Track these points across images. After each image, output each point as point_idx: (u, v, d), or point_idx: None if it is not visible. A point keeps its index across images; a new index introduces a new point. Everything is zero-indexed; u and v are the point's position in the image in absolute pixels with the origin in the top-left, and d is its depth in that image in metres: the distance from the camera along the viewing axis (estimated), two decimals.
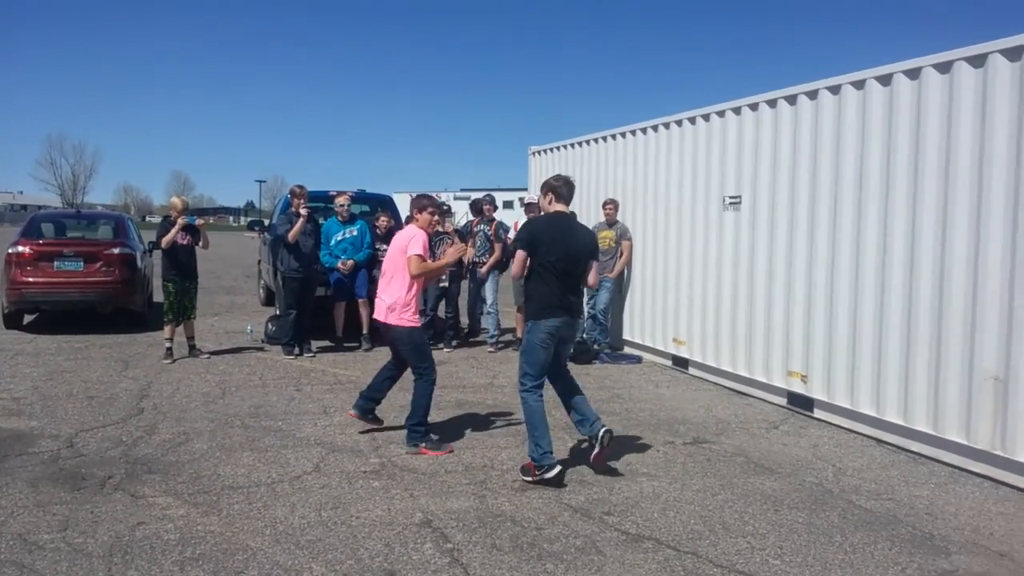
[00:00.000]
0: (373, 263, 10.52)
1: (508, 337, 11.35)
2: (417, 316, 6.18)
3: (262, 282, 15.23)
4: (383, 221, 10.90)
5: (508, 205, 36.98)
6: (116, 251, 11.46)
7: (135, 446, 6.00)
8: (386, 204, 12.13)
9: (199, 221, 9.63)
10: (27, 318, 11.76)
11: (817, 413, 7.37)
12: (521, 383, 5.57)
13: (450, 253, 6.44)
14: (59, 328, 11.39)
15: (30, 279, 11.00)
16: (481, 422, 6.97)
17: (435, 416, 7.02)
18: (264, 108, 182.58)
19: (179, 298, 9.44)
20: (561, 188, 5.78)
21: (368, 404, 6.45)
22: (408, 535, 4.48)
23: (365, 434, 6.46)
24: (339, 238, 10.47)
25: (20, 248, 11.11)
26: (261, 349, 10.27)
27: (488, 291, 10.89)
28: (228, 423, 6.70)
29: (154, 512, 4.72)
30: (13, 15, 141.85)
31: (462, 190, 46.96)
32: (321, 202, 12.33)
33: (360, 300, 10.43)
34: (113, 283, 11.28)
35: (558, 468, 5.31)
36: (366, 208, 12.52)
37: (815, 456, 6.25)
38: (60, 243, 11.88)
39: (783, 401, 7.82)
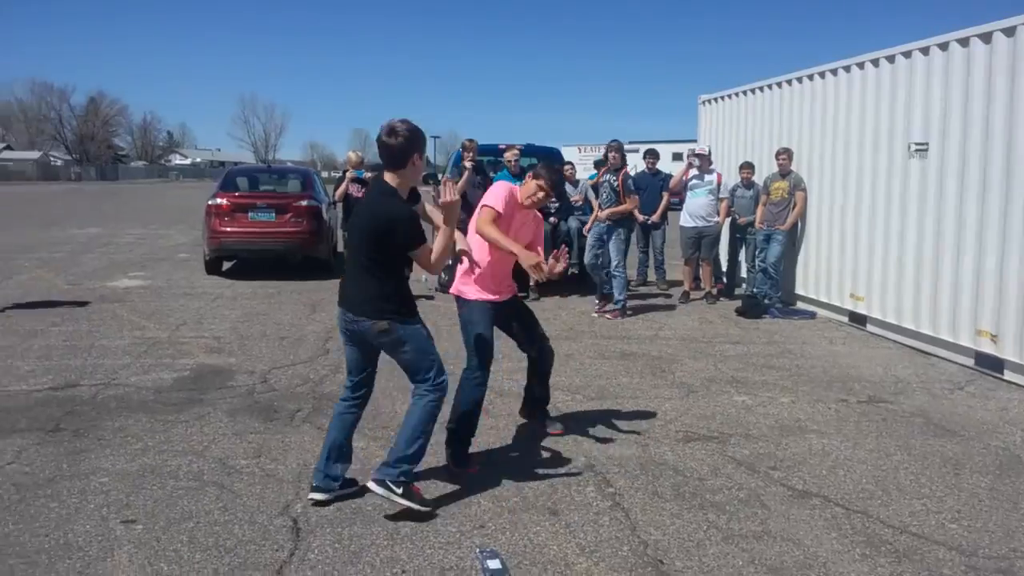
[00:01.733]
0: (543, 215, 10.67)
1: (677, 290, 11.21)
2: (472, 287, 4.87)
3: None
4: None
5: (677, 157, 36.11)
6: (304, 203, 12.22)
7: (321, 383, 6.45)
8: (553, 157, 12.22)
9: (367, 175, 10.05)
10: (225, 265, 12.77)
11: (1008, 375, 6.88)
12: None
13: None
14: (253, 274, 12.29)
15: (228, 229, 11.93)
16: (645, 373, 6.99)
17: (600, 367, 7.13)
18: (439, 65, 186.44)
19: None
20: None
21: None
22: (571, 478, 4.61)
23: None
24: None
25: (219, 200, 12.05)
26: (431, 297, 10.68)
27: (612, 250, 9.49)
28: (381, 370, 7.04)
29: None
30: None
31: (631, 142, 46.19)
32: (491, 155, 12.58)
33: None
34: (301, 233, 12.05)
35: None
36: (535, 161, 12.64)
37: (1003, 420, 5.86)
38: (254, 196, 12.80)
39: (970, 362, 7.35)
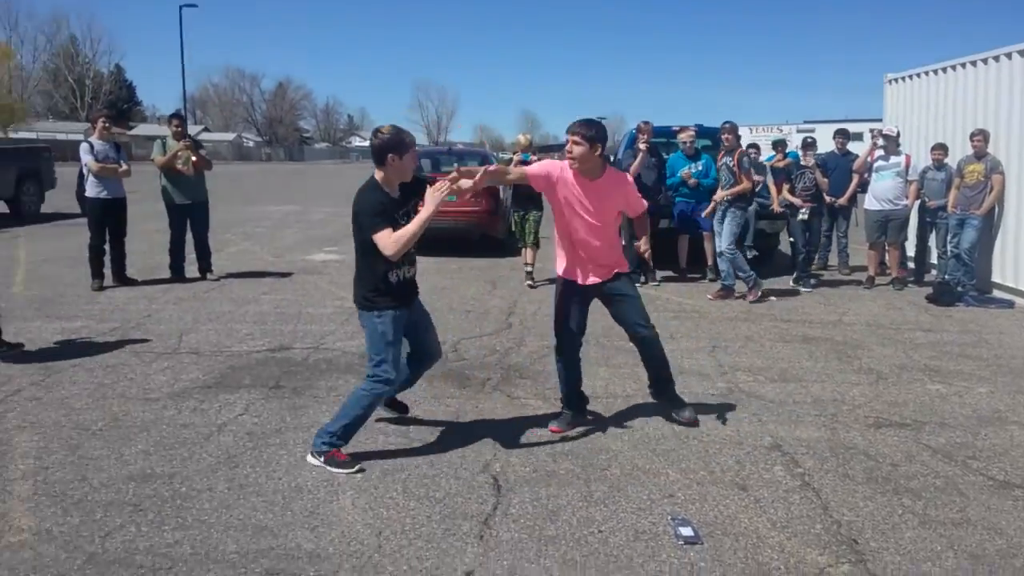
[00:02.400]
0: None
1: (859, 276, 10.84)
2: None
3: None
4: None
5: (857, 137, 34.24)
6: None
7: (507, 355, 6.78)
8: None
9: (532, 157, 10.22)
10: None
11: None
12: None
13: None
14: (436, 251, 12.86)
15: None
16: (830, 357, 6.88)
17: (781, 350, 7.08)
18: (606, 44, 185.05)
19: (522, 226, 10.36)
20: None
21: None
22: (758, 456, 4.67)
23: (711, 359, 6.69)
24: (684, 173, 10.58)
25: None
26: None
27: (725, 231, 9.27)
28: (585, 341, 7.26)
29: (527, 411, 5.38)
30: None
31: (805, 122, 44.11)
32: (663, 137, 12.55)
33: (704, 234, 10.57)
34: (480, 213, 12.52)
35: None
36: (707, 142, 12.52)
37: None
38: (436, 176, 13.34)
39: None
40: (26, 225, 15.86)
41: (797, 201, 10.19)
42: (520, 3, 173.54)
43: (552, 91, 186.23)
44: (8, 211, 17.02)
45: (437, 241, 13.29)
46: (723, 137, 9.47)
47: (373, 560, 3.44)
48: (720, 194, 9.40)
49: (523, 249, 10.47)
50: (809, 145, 10.68)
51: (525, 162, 9.95)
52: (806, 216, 10.17)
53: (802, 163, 10.52)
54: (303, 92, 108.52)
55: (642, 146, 10.43)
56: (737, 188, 9.25)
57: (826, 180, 10.45)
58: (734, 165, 9.29)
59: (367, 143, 5.82)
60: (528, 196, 10.20)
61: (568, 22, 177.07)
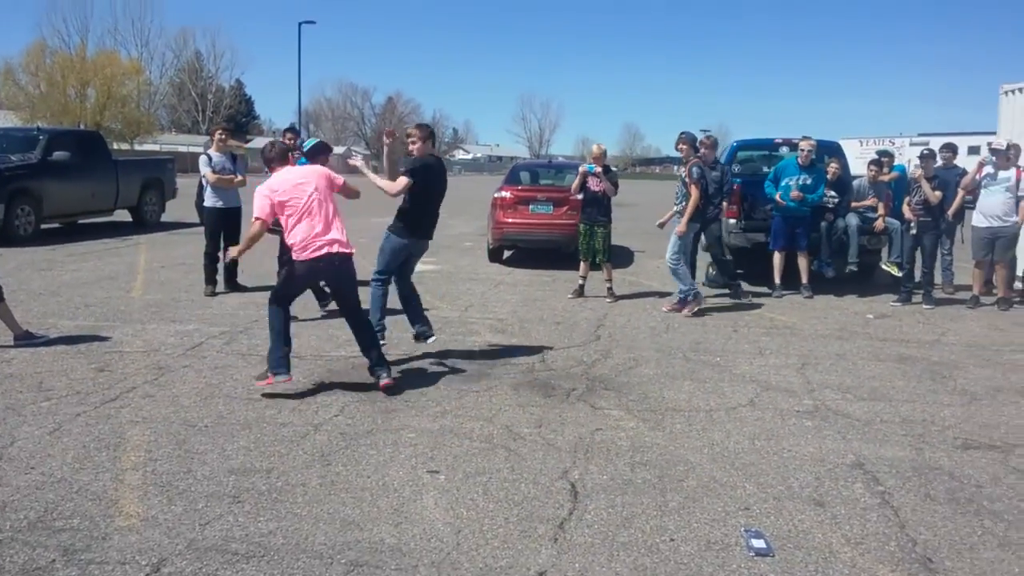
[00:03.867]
0: (820, 213, 10.47)
1: (963, 295, 10.49)
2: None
3: None
4: (832, 168, 10.74)
5: (974, 151, 32.85)
6: (580, 197, 12.78)
7: (593, 366, 6.90)
8: (835, 151, 11.83)
9: (596, 169, 10.09)
10: (505, 253, 13.70)
11: None
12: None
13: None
14: (530, 263, 13.10)
15: (510, 220, 12.81)
16: (923, 377, 6.73)
17: (873, 368, 6.97)
18: (707, 59, 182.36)
19: (587, 240, 10.09)
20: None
21: None
22: (838, 473, 4.66)
23: (799, 376, 6.65)
24: (792, 181, 10.33)
25: (504, 193, 12.98)
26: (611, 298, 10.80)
27: (671, 241, 9.33)
28: (671, 354, 7.35)
29: (609, 421, 5.49)
30: None
31: (919, 135, 42.48)
32: (765, 150, 12.42)
33: (800, 252, 10.42)
34: (574, 226, 12.61)
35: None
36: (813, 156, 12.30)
37: None
38: (534, 189, 13.60)
39: None
40: (147, 233, 16.86)
41: (909, 214, 9.97)
42: (626, 18, 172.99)
43: (656, 104, 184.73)
44: (131, 219, 18.13)
45: (531, 253, 13.57)
46: (678, 147, 9.62)
47: (451, 557, 3.63)
48: (672, 215, 9.68)
49: (582, 262, 10.28)
50: (926, 157, 10.26)
51: (590, 173, 9.98)
52: (914, 231, 9.94)
53: (911, 176, 10.27)
54: (412, 106, 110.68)
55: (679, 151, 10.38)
56: (690, 202, 9.20)
57: (938, 194, 9.98)
58: (685, 175, 9.32)
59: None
60: (594, 209, 10.03)
61: (672, 35, 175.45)
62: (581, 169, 10.23)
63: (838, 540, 3.83)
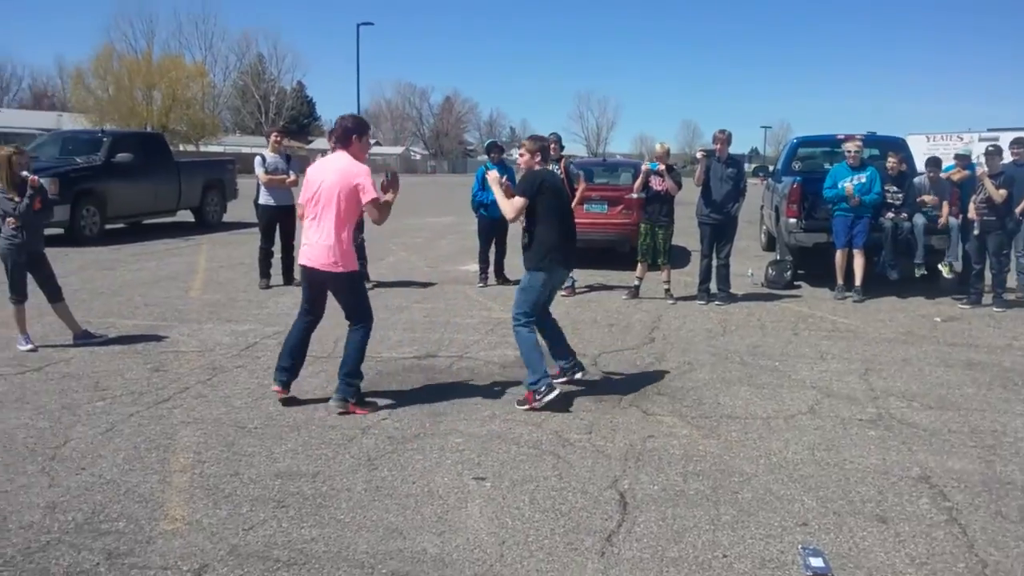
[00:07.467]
0: (879, 210, 10.13)
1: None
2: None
3: (763, 227, 15.46)
4: (893, 163, 10.35)
5: None
6: (634, 196, 12.59)
7: (646, 370, 6.75)
8: (898, 146, 11.44)
9: (659, 167, 9.87)
10: None
11: None
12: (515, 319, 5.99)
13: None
14: (584, 263, 12.88)
15: None
16: (994, 385, 6.42)
17: (941, 375, 6.68)
18: (768, 54, 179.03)
19: (648, 240, 9.91)
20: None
21: None
22: (903, 487, 4.44)
23: (863, 383, 6.40)
24: (847, 183, 10.06)
25: None
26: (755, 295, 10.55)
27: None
28: (728, 358, 7.15)
29: (662, 428, 5.34)
30: None
31: (989, 130, 40.87)
32: (827, 146, 12.06)
33: (856, 250, 10.08)
34: (631, 225, 12.42)
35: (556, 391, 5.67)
36: (875, 152, 11.92)
37: None
38: (589, 188, 13.40)
39: None
40: (208, 233, 17.15)
41: (974, 214, 9.58)
42: (684, 15, 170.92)
43: (715, 101, 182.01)
44: (194, 220, 18.47)
45: (586, 253, 13.39)
46: (550, 147, 9.16)
47: (494, 569, 3.53)
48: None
49: (639, 263, 10.16)
50: (991, 153, 9.82)
51: (653, 172, 9.74)
52: (976, 231, 9.54)
53: (977, 174, 9.86)
54: (469, 105, 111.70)
55: (699, 154, 10.08)
56: (578, 193, 9.50)
57: (1003, 192, 9.54)
58: (561, 173, 8.90)
59: None
60: (657, 210, 9.87)
61: (732, 34, 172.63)
62: (644, 167, 10.05)
63: (902, 560, 3.64)
